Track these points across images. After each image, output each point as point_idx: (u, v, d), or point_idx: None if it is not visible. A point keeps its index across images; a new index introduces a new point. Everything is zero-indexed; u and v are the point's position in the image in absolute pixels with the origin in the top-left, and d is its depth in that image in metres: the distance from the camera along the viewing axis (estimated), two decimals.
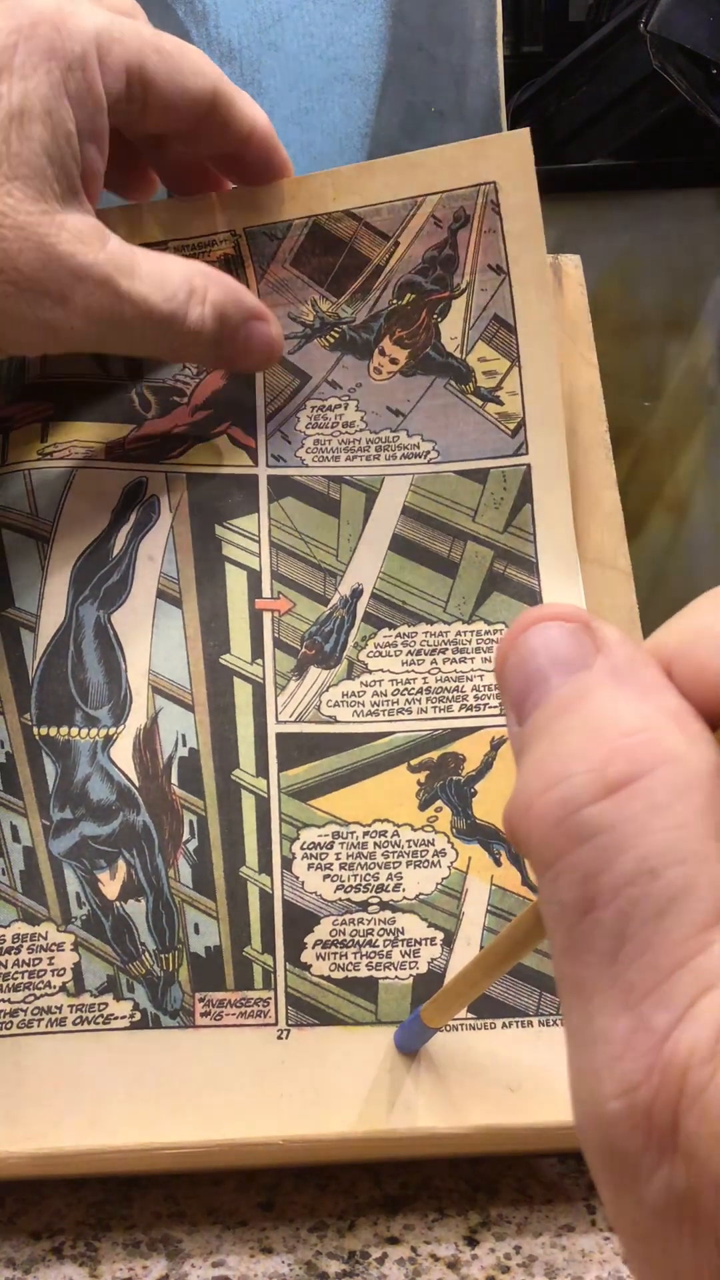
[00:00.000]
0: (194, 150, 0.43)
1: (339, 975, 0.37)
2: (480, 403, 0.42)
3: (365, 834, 0.39)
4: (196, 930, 0.38)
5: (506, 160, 0.42)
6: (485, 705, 0.40)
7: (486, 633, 0.41)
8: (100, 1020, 0.37)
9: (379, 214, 0.43)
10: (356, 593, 0.42)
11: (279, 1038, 0.37)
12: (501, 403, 0.41)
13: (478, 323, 0.42)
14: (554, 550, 0.41)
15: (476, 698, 0.40)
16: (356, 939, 0.38)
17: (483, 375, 0.42)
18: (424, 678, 0.41)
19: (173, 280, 0.39)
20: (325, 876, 0.39)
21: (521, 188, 0.40)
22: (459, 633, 0.41)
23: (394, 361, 0.43)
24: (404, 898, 0.38)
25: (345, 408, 0.43)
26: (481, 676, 0.41)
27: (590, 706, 0.19)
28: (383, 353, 0.43)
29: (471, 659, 0.41)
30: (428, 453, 0.43)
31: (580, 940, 0.18)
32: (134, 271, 0.38)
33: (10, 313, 0.37)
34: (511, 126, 0.63)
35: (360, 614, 0.41)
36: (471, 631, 0.41)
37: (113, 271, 0.38)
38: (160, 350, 0.41)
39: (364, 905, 0.38)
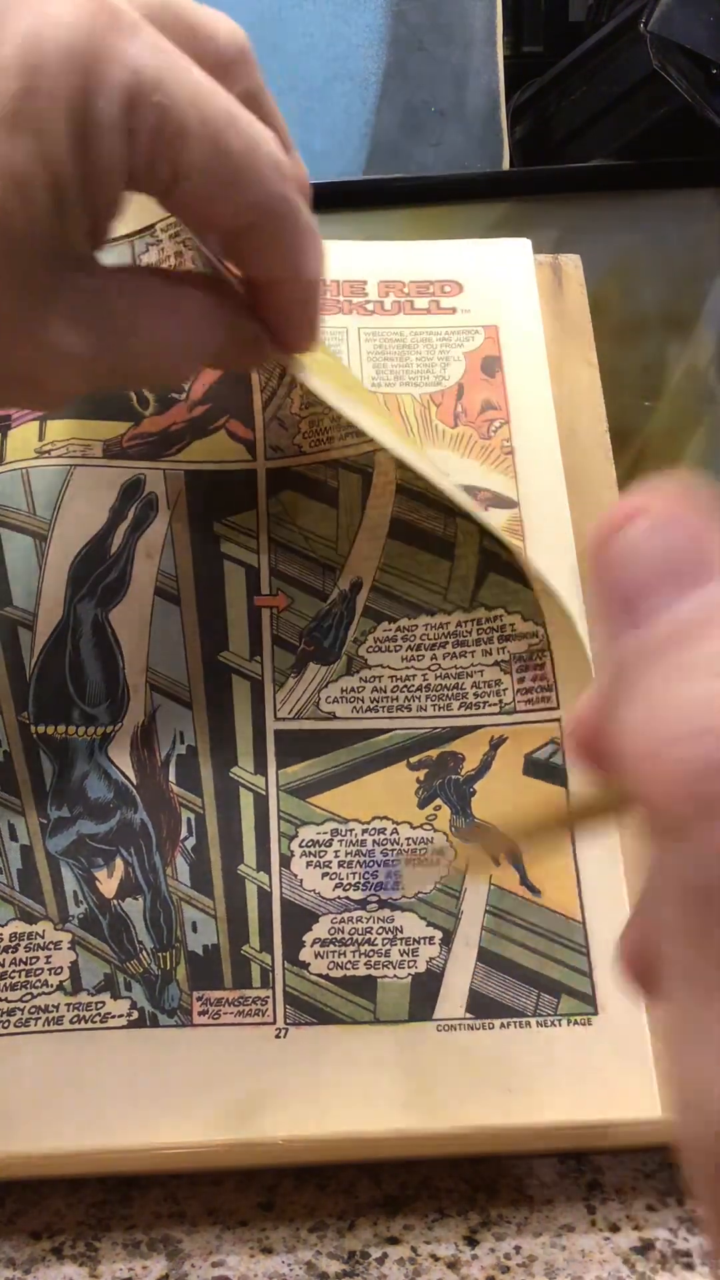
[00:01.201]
0: (232, 260, 0.35)
1: (337, 974, 0.37)
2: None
3: (364, 832, 0.39)
4: (194, 929, 0.38)
5: None
6: (485, 704, 0.40)
7: (486, 621, 0.41)
8: (98, 1019, 0.37)
9: None
10: (356, 586, 0.42)
11: (277, 1036, 0.37)
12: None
13: None
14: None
15: (476, 695, 0.40)
16: (355, 937, 0.38)
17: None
18: (424, 674, 0.41)
19: (174, 341, 0.32)
20: (324, 874, 0.38)
21: None
22: (459, 624, 0.41)
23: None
24: (403, 896, 0.38)
25: None
26: (481, 673, 0.41)
27: None
28: None
29: (472, 652, 0.41)
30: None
31: (707, 928, 0.16)
32: (132, 333, 0.31)
33: None
34: (511, 126, 0.63)
35: (360, 608, 0.41)
36: (471, 621, 0.41)
37: (104, 347, 0.31)
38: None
39: (363, 903, 0.38)
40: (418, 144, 0.62)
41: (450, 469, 0.44)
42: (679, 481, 0.18)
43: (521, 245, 0.50)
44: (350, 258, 0.49)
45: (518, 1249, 0.36)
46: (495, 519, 0.43)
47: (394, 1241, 0.36)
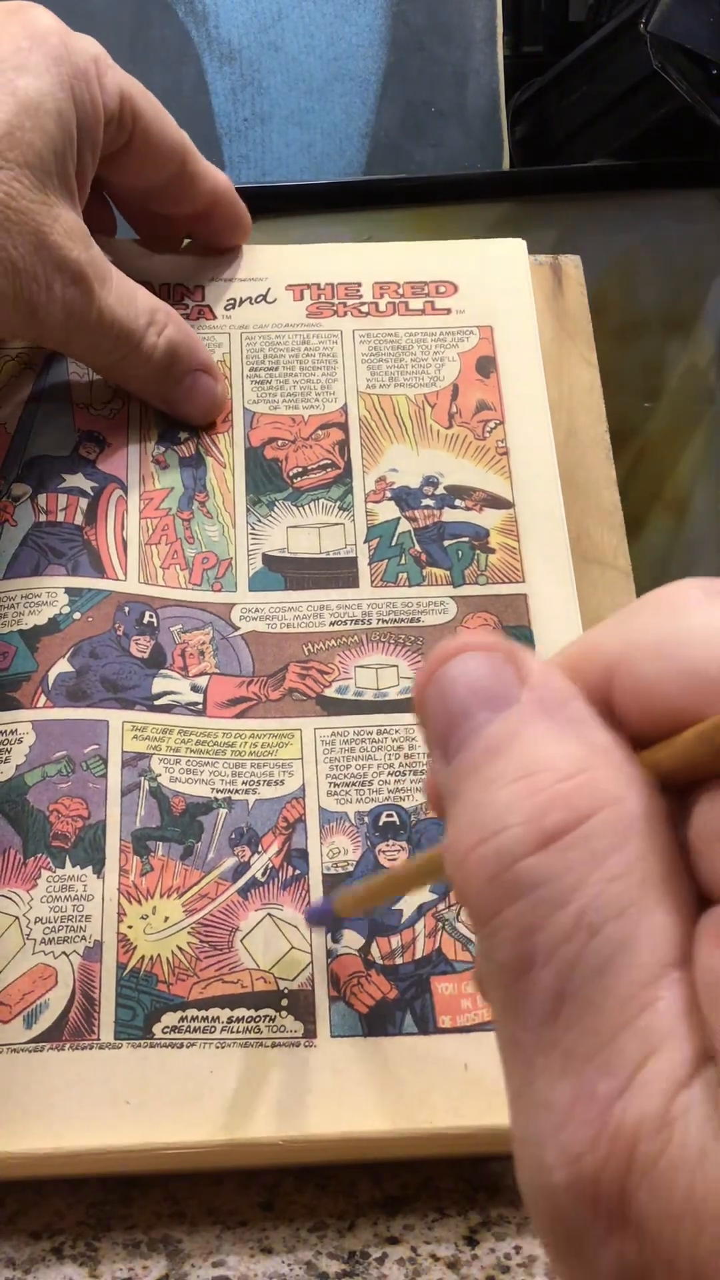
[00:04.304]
0: (166, 208, 0.47)
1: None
2: None
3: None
4: None
5: None
6: None
7: None
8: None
9: None
10: None
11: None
12: None
13: None
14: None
15: None
16: None
17: None
18: None
19: (138, 303, 0.43)
20: None
21: None
22: None
23: None
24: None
25: None
26: None
27: (522, 748, 0.18)
28: None
29: None
30: None
31: (519, 1000, 0.17)
32: (107, 281, 0.41)
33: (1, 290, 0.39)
34: (511, 126, 0.63)
35: None
36: None
37: (90, 273, 0.40)
38: (111, 365, 0.44)
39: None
40: (418, 144, 0.62)
41: (445, 469, 0.45)
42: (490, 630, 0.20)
43: (516, 245, 0.50)
44: (345, 260, 0.49)
45: (518, 1249, 0.36)
46: (490, 520, 0.43)
47: (394, 1241, 0.36)
